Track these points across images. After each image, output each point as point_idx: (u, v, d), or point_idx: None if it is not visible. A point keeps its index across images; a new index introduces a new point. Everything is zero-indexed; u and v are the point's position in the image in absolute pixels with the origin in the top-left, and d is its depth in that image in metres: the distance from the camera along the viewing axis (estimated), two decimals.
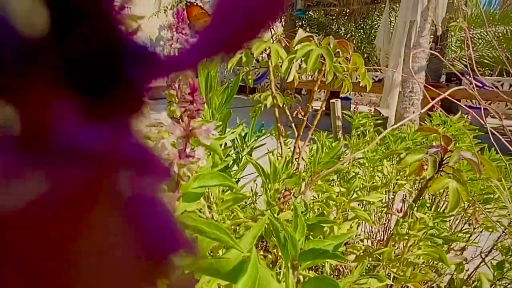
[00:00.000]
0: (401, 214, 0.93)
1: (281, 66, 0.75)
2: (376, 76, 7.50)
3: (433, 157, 0.59)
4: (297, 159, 1.03)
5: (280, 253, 0.44)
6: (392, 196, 0.98)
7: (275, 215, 0.42)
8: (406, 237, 0.53)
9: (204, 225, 0.25)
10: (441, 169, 0.64)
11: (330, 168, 0.52)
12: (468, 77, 6.38)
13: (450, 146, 0.65)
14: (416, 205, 0.57)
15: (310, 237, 0.38)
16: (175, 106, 0.35)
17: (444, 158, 0.65)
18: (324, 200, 0.53)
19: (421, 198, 0.68)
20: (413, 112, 4.12)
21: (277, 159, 1.37)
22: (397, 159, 0.86)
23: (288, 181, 0.49)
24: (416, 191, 1.21)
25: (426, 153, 0.61)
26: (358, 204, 0.69)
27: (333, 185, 0.57)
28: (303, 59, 0.72)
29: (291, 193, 0.45)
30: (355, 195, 0.56)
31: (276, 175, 0.47)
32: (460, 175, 0.62)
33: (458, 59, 8.83)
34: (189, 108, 0.26)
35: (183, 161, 0.25)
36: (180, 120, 0.27)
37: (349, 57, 0.74)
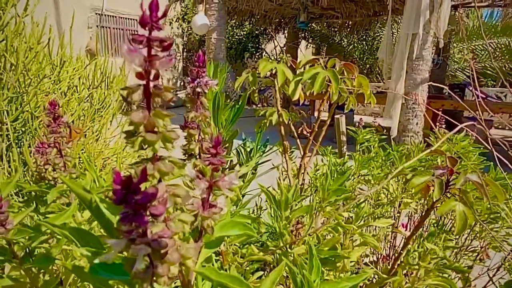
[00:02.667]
0: (407, 233, 0.93)
1: (287, 85, 0.76)
2: (379, 87, 7.54)
3: (439, 179, 0.60)
4: (302, 174, 1.04)
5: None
6: (398, 214, 0.98)
7: (288, 249, 0.43)
8: (417, 267, 0.53)
9: (227, 279, 0.25)
10: (447, 190, 0.65)
11: (339, 196, 0.53)
12: (471, 88, 6.40)
13: (456, 167, 0.65)
14: (425, 231, 0.57)
15: (323, 269, 0.38)
16: (199, 160, 0.36)
17: (450, 180, 0.65)
18: (333, 226, 0.54)
19: (427, 218, 0.68)
20: (416, 124, 4.12)
21: (282, 173, 1.37)
22: (403, 178, 0.86)
23: (299, 210, 0.49)
24: (421, 205, 1.21)
25: (432, 174, 0.62)
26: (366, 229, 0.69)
27: (338, 207, 0.57)
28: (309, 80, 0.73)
29: (303, 226, 0.45)
30: (363, 221, 0.56)
31: (288, 204, 0.48)
32: (466, 196, 0.62)
33: (460, 70, 8.87)
34: (212, 161, 0.27)
35: (207, 213, 0.26)
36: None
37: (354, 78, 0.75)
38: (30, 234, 0.31)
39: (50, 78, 1.40)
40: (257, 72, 0.89)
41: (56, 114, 0.44)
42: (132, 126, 0.22)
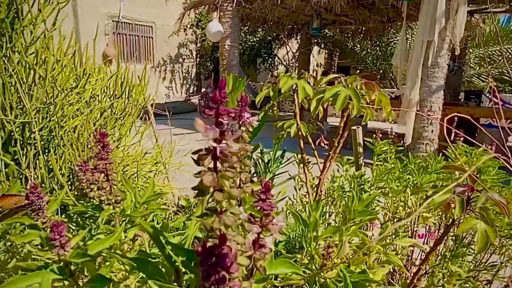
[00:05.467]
0: (426, 247, 0.93)
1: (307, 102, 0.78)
2: (393, 93, 7.46)
3: (460, 197, 0.60)
4: (320, 186, 1.05)
5: None
6: (416, 228, 0.98)
7: (320, 272, 0.45)
8: None
9: None
10: (468, 207, 0.65)
11: (365, 217, 0.55)
12: (488, 94, 6.26)
13: (476, 184, 0.66)
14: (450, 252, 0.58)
15: None
16: (250, 206, 0.38)
17: (471, 197, 0.66)
18: (358, 245, 0.55)
19: (448, 234, 0.68)
20: (432, 131, 4.07)
21: (298, 183, 1.39)
22: (423, 194, 0.86)
23: (327, 231, 0.51)
24: (439, 218, 1.20)
25: (453, 192, 0.62)
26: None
27: (361, 225, 0.58)
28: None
29: (333, 250, 0.47)
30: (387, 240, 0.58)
31: (316, 226, 0.50)
32: (487, 214, 0.63)
33: (476, 76, 8.70)
34: (263, 207, 0.29)
35: (259, 254, 0.29)
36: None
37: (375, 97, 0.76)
38: (87, 259, 0.34)
39: (75, 89, 1.46)
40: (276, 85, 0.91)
41: (105, 143, 0.47)
42: (202, 186, 0.25)
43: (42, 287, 0.30)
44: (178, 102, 9.49)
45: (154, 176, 1.99)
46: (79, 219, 0.51)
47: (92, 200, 0.51)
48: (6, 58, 1.27)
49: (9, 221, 0.47)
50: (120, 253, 0.43)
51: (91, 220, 0.52)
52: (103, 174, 0.47)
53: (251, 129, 0.27)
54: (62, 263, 0.33)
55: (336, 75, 0.75)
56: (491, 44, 8.15)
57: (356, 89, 0.69)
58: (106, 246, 0.36)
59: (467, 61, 8.01)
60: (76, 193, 1.32)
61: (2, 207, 0.51)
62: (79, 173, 0.51)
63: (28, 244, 0.50)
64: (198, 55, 10.67)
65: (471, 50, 8.28)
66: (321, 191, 1.07)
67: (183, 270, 0.31)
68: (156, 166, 2.02)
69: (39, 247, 0.54)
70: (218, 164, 0.24)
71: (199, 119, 0.24)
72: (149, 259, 0.30)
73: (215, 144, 0.24)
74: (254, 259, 0.29)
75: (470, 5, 5.15)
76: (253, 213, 0.30)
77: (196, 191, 0.27)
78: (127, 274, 0.44)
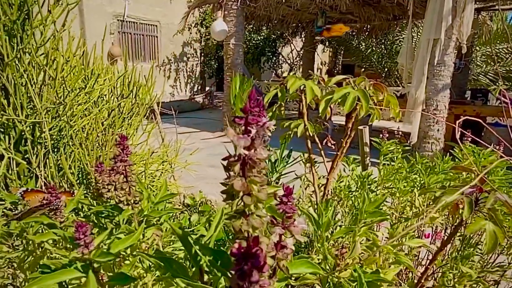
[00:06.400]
0: (434, 247, 0.93)
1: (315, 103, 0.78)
2: (398, 91, 7.42)
3: (469, 198, 0.61)
4: (328, 186, 1.06)
5: None
6: (423, 229, 0.98)
7: (335, 273, 0.46)
8: None
9: None
10: (476, 208, 0.66)
11: (376, 218, 0.56)
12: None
13: (484, 184, 0.66)
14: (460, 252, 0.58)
15: None
16: (268, 207, 0.39)
17: (479, 198, 0.66)
18: (368, 245, 0.56)
19: (456, 234, 0.69)
20: (438, 130, 4.05)
21: (304, 183, 1.39)
22: (431, 195, 0.87)
23: (338, 232, 0.52)
24: (446, 218, 1.20)
25: (462, 193, 0.63)
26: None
27: (371, 226, 0.59)
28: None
29: (346, 250, 0.48)
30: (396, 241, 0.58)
31: (329, 226, 0.51)
32: (495, 214, 0.63)
33: (483, 74, 8.62)
34: (285, 209, 0.30)
35: (281, 255, 0.30)
36: None
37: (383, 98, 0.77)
38: (111, 257, 0.35)
39: (84, 89, 1.47)
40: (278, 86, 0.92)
41: (125, 145, 0.49)
42: (232, 190, 0.26)
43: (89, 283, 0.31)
44: (183, 100, 9.53)
45: (161, 175, 2.01)
46: (93, 218, 0.53)
47: (109, 200, 0.53)
48: (17, 59, 1.29)
49: (27, 220, 0.48)
50: (139, 251, 0.44)
51: (107, 220, 0.53)
52: (122, 176, 0.48)
53: (269, 134, 0.28)
54: (86, 261, 0.34)
55: (345, 76, 0.76)
56: (498, 42, 8.06)
57: (365, 90, 0.69)
58: (127, 245, 0.37)
59: (473, 59, 7.94)
60: (85, 191, 1.34)
61: (28, 202, 0.53)
62: (95, 174, 0.52)
63: (46, 242, 0.51)
64: (203, 54, 10.69)
65: (477, 48, 8.20)
66: (328, 190, 1.08)
67: (206, 269, 0.32)
68: (163, 165, 2.03)
69: (56, 245, 0.55)
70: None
71: (231, 129, 0.25)
72: (175, 258, 0.32)
73: (246, 152, 0.26)
74: (277, 259, 0.30)
75: (477, 3, 5.10)
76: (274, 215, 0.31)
77: (225, 195, 0.28)
78: (144, 272, 0.45)
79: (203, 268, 0.33)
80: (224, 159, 0.27)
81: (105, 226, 0.53)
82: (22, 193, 0.62)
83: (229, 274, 0.30)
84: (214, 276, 0.32)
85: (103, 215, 0.51)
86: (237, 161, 0.26)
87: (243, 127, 0.25)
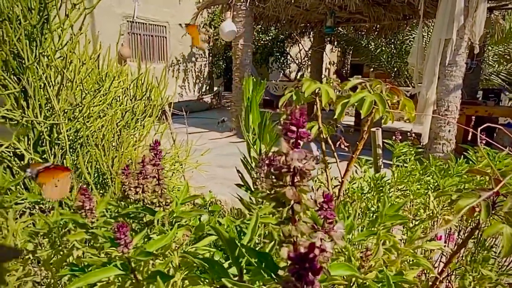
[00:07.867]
0: (448, 249, 0.94)
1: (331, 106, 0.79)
2: (408, 91, 7.35)
3: (486, 202, 0.61)
4: (342, 192, 1.07)
5: None
6: (436, 232, 0.98)
7: (361, 274, 0.47)
8: None
9: None
10: (493, 211, 0.66)
11: (396, 221, 0.56)
12: (507, 93, 6.10)
13: (499, 187, 0.66)
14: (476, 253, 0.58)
15: None
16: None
17: (496, 201, 0.67)
18: (388, 247, 0.57)
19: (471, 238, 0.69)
20: (449, 131, 4.00)
21: (315, 184, 1.39)
22: (447, 198, 0.87)
23: (360, 235, 0.53)
24: (460, 221, 1.20)
25: (478, 197, 0.63)
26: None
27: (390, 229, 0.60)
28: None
29: (371, 253, 0.50)
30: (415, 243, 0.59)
31: (352, 229, 0.52)
32: None
33: (495, 73, 8.48)
34: (326, 215, 0.32)
35: (322, 258, 0.32)
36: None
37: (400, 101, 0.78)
38: (150, 256, 0.37)
39: (99, 91, 1.51)
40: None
41: (158, 150, 0.51)
42: (283, 198, 0.28)
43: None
44: (191, 101, 9.60)
45: (172, 175, 2.04)
46: (119, 219, 0.55)
47: (137, 202, 0.55)
48: (36, 62, 1.33)
49: (59, 218, 0.50)
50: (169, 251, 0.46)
51: (135, 221, 0.55)
52: (155, 179, 0.50)
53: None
54: (125, 260, 0.36)
55: (361, 80, 0.76)
56: (511, 41, 7.92)
57: (381, 95, 0.70)
58: (161, 245, 0.39)
59: (485, 59, 7.81)
60: (102, 192, 1.37)
61: (42, 184, 0.54)
62: (122, 176, 0.54)
63: (76, 241, 0.54)
64: (211, 54, 10.74)
65: (489, 48, 8.07)
66: (341, 192, 1.08)
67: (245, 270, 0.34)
68: (175, 165, 2.06)
69: (84, 244, 0.58)
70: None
71: (284, 142, 0.27)
72: (218, 260, 0.33)
73: (300, 165, 0.27)
74: (319, 262, 0.32)
75: (490, 2, 5.02)
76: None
77: (274, 203, 0.29)
78: (173, 271, 0.47)
79: (243, 269, 0.34)
80: (275, 170, 0.28)
81: (132, 227, 0.55)
82: (37, 172, 0.63)
83: (273, 276, 0.32)
84: (253, 276, 0.34)
85: (130, 216, 0.53)
86: (288, 171, 0.28)
87: (293, 140, 0.26)
